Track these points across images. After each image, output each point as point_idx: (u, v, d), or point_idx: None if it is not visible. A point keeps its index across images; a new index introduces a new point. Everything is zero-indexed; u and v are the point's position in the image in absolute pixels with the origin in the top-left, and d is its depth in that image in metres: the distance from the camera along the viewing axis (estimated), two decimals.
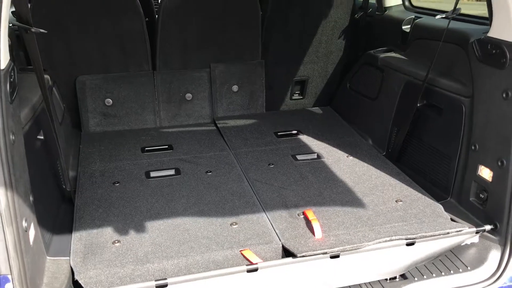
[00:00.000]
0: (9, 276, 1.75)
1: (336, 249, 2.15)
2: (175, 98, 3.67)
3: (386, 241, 2.22)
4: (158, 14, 3.48)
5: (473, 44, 2.43)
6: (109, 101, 3.56)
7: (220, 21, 3.62)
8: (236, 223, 2.39)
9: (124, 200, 2.60)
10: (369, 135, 3.45)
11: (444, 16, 2.57)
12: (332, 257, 2.15)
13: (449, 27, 2.72)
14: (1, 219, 1.65)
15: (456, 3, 2.49)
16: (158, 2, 4.31)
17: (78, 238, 2.27)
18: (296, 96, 4.11)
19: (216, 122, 3.69)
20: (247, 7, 3.62)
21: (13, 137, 1.71)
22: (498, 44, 2.22)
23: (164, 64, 3.62)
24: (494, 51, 2.26)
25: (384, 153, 3.24)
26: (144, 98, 3.62)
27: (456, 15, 2.52)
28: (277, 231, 2.33)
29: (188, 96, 3.69)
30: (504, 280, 2.28)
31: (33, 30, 2.07)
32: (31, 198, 1.93)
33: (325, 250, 2.13)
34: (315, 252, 2.12)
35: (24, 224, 1.77)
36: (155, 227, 2.36)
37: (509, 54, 2.17)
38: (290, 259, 2.13)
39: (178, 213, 2.48)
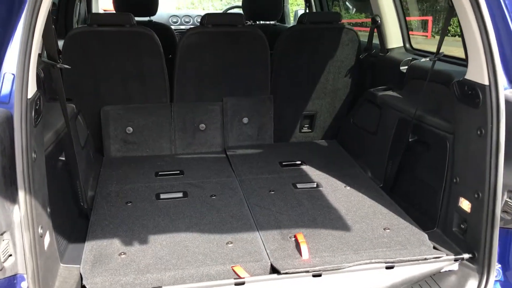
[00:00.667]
0: (25, 276, 2.03)
1: (317, 268, 2.35)
2: (190, 128, 3.98)
3: (366, 263, 2.41)
4: (176, 52, 3.84)
5: (453, 85, 2.64)
6: (129, 129, 3.89)
7: (232, 59, 3.94)
8: (231, 242, 2.62)
9: (133, 218, 2.87)
10: (368, 167, 3.65)
11: (428, 59, 2.80)
12: (314, 276, 2.35)
13: (439, 69, 2.96)
14: (20, 224, 1.95)
15: (439, 48, 2.73)
16: None
17: (89, 249, 2.54)
18: (305, 129, 4.37)
19: (227, 151, 3.97)
20: (257, 47, 3.94)
21: (35, 155, 2.01)
22: (473, 85, 2.43)
23: (181, 97, 3.95)
24: (470, 92, 2.46)
25: (381, 185, 3.43)
26: (162, 128, 3.94)
27: (438, 58, 2.76)
28: (268, 251, 2.55)
29: (202, 126, 4.00)
30: None
31: (58, 65, 2.41)
32: (48, 210, 2.23)
33: (307, 269, 2.33)
34: (297, 270, 2.32)
35: (40, 230, 2.06)
36: (158, 242, 2.61)
37: (481, 95, 2.37)
38: (275, 275, 2.34)
39: (180, 231, 2.73)
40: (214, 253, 2.52)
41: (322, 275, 2.35)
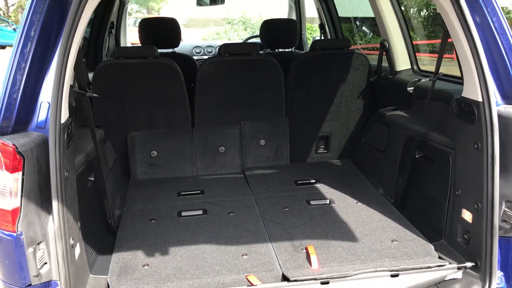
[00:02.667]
0: (58, 282, 2.27)
1: (324, 275, 2.51)
2: (210, 151, 4.22)
3: (371, 271, 2.56)
4: (196, 80, 4.12)
5: (452, 102, 2.81)
6: (154, 153, 4.16)
7: (248, 85, 4.19)
8: (246, 254, 2.81)
9: (156, 234, 3.09)
10: (380, 184, 3.80)
11: (428, 79, 2.98)
12: (322, 283, 2.51)
13: (441, 88, 3.14)
14: (54, 235, 2.20)
15: (437, 68, 2.91)
16: None
17: (116, 261, 2.77)
18: (321, 150, 4.55)
19: (245, 171, 4.19)
20: (271, 73, 4.19)
21: (67, 174, 2.27)
22: (469, 102, 2.59)
23: (202, 122, 4.21)
24: (466, 109, 2.63)
25: (392, 201, 3.57)
26: (184, 151, 4.20)
27: (437, 78, 2.93)
28: (280, 261, 2.72)
29: (221, 149, 4.24)
30: None
31: (87, 95, 2.70)
32: (78, 224, 2.48)
33: (315, 276, 2.50)
34: (305, 277, 2.49)
35: (71, 241, 2.30)
36: (178, 255, 2.83)
37: (476, 111, 2.53)
38: (285, 283, 2.52)
39: (199, 245, 2.94)
40: (230, 264, 2.71)
41: (330, 283, 2.51)
